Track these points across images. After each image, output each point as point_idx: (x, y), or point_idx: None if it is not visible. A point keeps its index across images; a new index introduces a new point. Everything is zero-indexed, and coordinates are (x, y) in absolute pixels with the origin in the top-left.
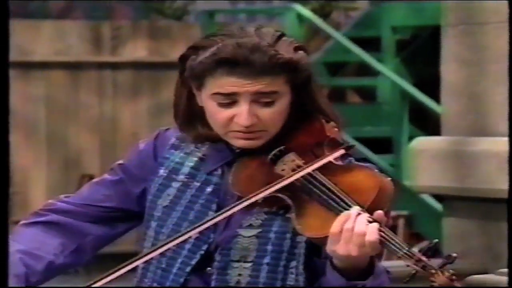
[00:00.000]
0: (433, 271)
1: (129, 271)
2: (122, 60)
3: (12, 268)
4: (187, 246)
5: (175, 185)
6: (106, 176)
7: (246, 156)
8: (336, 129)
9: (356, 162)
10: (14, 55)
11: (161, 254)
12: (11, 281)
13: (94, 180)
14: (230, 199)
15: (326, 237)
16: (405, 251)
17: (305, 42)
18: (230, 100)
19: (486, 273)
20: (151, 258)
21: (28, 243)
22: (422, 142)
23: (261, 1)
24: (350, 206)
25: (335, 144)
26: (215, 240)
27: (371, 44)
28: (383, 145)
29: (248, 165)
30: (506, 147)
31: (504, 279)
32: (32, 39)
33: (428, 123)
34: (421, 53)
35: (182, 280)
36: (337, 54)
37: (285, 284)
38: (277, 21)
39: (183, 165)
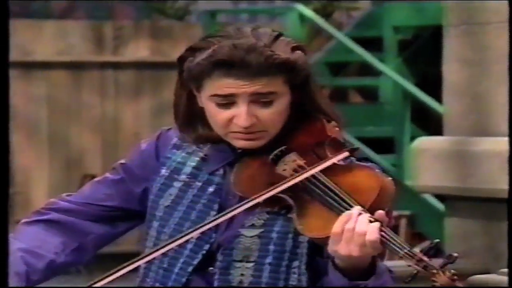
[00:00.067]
0: (434, 271)
1: (131, 271)
2: (124, 60)
3: (13, 266)
4: (189, 246)
5: (177, 185)
6: (108, 175)
7: (248, 156)
8: (337, 128)
9: (357, 162)
10: (16, 55)
11: (163, 254)
12: (12, 279)
13: (96, 179)
14: (232, 199)
15: (327, 237)
16: (406, 251)
17: (307, 42)
18: (228, 101)
19: (488, 273)
20: (153, 258)
21: (29, 241)
22: (424, 142)
23: (263, 1)
24: (351, 206)
25: (336, 144)
26: (217, 240)
27: (373, 44)
28: (385, 145)
29: (250, 165)
30: (508, 147)
31: (507, 279)
32: (34, 39)
33: (430, 123)
34: (423, 53)
35: (184, 280)
36: (339, 54)
37: (288, 284)
38: (279, 21)
39: (185, 165)
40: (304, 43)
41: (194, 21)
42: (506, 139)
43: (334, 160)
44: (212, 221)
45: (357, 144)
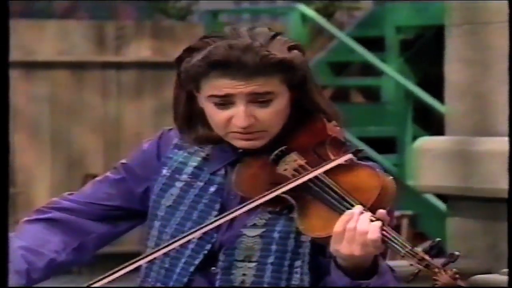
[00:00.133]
0: (436, 270)
1: (132, 271)
2: (126, 60)
3: (13, 264)
4: (191, 246)
5: (179, 184)
6: (109, 174)
7: (249, 156)
8: (338, 128)
9: (358, 161)
10: (18, 55)
11: (165, 254)
12: (12, 277)
13: (97, 178)
14: (233, 199)
15: (329, 237)
16: (407, 250)
17: (309, 42)
18: (226, 101)
19: (490, 273)
20: (155, 258)
21: (30, 239)
22: (426, 142)
23: (265, 1)
24: (352, 206)
25: (337, 143)
26: (218, 240)
27: (375, 44)
28: (387, 145)
29: (251, 165)
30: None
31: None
32: (36, 39)
33: (432, 123)
34: (425, 53)
35: (185, 280)
36: (340, 54)
37: (290, 284)
38: (280, 21)
39: (187, 165)
40: (303, 43)
41: (196, 21)
42: (507, 139)
43: (339, 161)
44: (214, 221)
45: (359, 144)
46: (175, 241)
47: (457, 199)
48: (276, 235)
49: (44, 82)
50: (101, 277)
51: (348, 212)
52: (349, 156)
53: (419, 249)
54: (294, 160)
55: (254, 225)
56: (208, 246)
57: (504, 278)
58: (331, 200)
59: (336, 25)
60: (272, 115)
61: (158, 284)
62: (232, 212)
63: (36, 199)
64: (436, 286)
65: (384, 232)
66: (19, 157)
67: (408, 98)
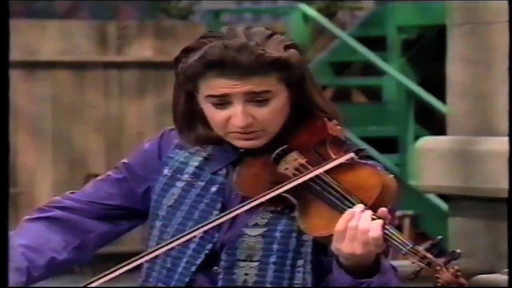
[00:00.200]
0: (438, 267)
1: (133, 270)
2: (127, 60)
3: (14, 261)
4: (192, 245)
5: (180, 184)
6: (111, 174)
7: (250, 156)
8: (338, 127)
9: (359, 160)
10: (19, 55)
11: (166, 253)
12: (13, 275)
13: (98, 177)
14: (234, 198)
15: (331, 236)
16: (409, 248)
17: (311, 41)
18: (223, 101)
19: (492, 272)
20: (156, 258)
21: (31, 238)
22: (428, 141)
23: (266, 0)
24: (354, 204)
25: (338, 142)
26: (220, 240)
27: (377, 44)
28: (388, 145)
29: (252, 165)
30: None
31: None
32: (37, 39)
33: (433, 123)
34: (426, 52)
35: (187, 279)
36: (342, 54)
37: (292, 283)
38: (282, 21)
39: (188, 164)
40: (304, 43)
41: (198, 21)
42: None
43: (341, 160)
44: (215, 220)
45: (361, 143)
46: (174, 240)
47: (458, 199)
48: (277, 234)
49: (46, 82)
50: (99, 276)
51: (349, 210)
52: (350, 155)
53: (420, 247)
54: (295, 159)
55: (256, 225)
56: (210, 246)
57: (506, 278)
58: (332, 199)
59: (338, 25)
60: (270, 114)
61: (160, 284)
62: (234, 211)
63: (38, 198)
64: (438, 284)
65: (385, 230)
66: (21, 157)
67: (410, 98)
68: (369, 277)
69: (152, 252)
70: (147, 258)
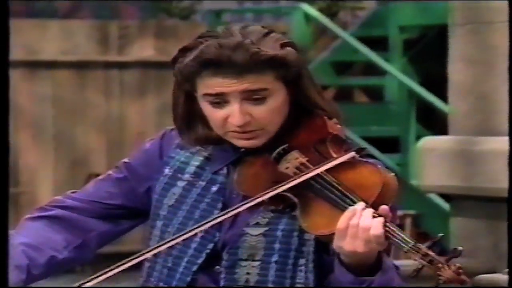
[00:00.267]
0: (439, 265)
1: (135, 270)
2: (129, 60)
3: (14, 259)
4: (193, 245)
5: (181, 184)
6: (112, 173)
7: (251, 155)
8: (338, 125)
9: (360, 158)
10: (21, 55)
11: (167, 253)
12: (12, 272)
13: (99, 177)
14: (235, 198)
15: (332, 234)
16: (411, 246)
17: (312, 41)
18: (220, 100)
19: (494, 272)
20: (157, 258)
21: (32, 236)
22: (430, 141)
23: (268, 0)
24: (355, 203)
25: (338, 141)
26: (221, 239)
27: (378, 44)
28: (390, 145)
29: (253, 164)
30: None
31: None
32: (39, 39)
33: (435, 123)
34: (428, 52)
35: (188, 279)
36: (344, 54)
37: (294, 282)
38: (284, 21)
39: (189, 164)
40: (306, 43)
41: (199, 20)
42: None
43: (342, 159)
44: (215, 218)
45: (362, 143)
46: (174, 239)
47: (460, 199)
48: (279, 233)
49: (47, 81)
50: (96, 275)
51: (350, 208)
52: (351, 154)
53: (422, 245)
54: (295, 158)
55: (257, 224)
56: (211, 245)
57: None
58: (333, 198)
59: (339, 24)
60: (268, 113)
61: (161, 284)
62: (235, 209)
63: (39, 198)
64: (440, 281)
65: (387, 228)
66: (23, 157)
67: (412, 97)
68: (371, 275)
69: (151, 251)
70: (145, 257)
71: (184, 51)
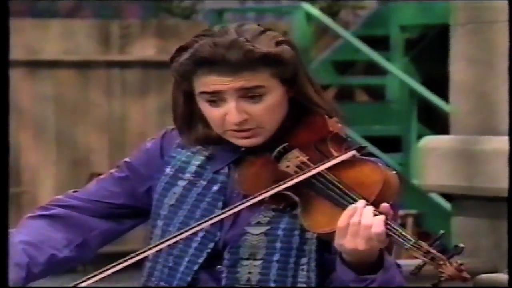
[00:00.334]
0: (441, 262)
1: (135, 270)
2: (130, 59)
3: (14, 257)
4: (194, 244)
5: (181, 183)
6: (113, 172)
7: (251, 154)
8: (339, 124)
9: (361, 157)
10: (22, 54)
11: (168, 253)
12: (12, 270)
13: (101, 176)
14: (236, 197)
15: (333, 232)
16: (412, 243)
17: (314, 41)
18: (216, 98)
19: (496, 272)
20: (158, 257)
21: (32, 235)
22: (431, 141)
23: (269, 0)
24: (355, 200)
25: (338, 140)
26: (222, 238)
27: (380, 43)
28: (391, 144)
29: (254, 163)
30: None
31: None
32: (40, 38)
33: (436, 122)
34: (429, 52)
35: (189, 278)
36: (345, 53)
37: (296, 281)
38: (285, 20)
39: (190, 163)
40: (307, 42)
41: (201, 20)
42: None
43: (343, 157)
44: (215, 216)
45: (364, 143)
46: (174, 237)
47: (462, 198)
48: (280, 232)
49: (49, 81)
50: (99, 272)
51: (351, 206)
52: (352, 152)
53: (423, 242)
54: (296, 157)
55: (258, 223)
56: (211, 245)
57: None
58: (334, 196)
59: (341, 24)
60: (265, 110)
61: (162, 283)
62: (235, 207)
63: (41, 198)
64: (441, 278)
65: (388, 226)
66: (24, 156)
67: (413, 97)
68: (372, 273)
69: (151, 249)
70: (145, 255)
71: (181, 50)
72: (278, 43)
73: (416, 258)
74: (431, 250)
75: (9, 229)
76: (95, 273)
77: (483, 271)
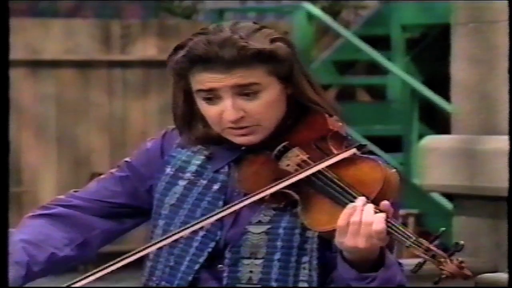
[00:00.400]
0: (442, 259)
1: (136, 269)
2: (131, 59)
3: (14, 256)
4: (195, 244)
5: (182, 183)
6: (114, 172)
7: (252, 153)
8: (339, 122)
9: (361, 155)
10: (24, 54)
11: (169, 252)
12: (12, 268)
13: (102, 176)
14: (237, 196)
15: (334, 230)
16: (413, 240)
17: (315, 40)
18: (213, 95)
19: (497, 271)
20: (159, 257)
21: (32, 233)
22: (432, 140)
23: None
24: (356, 199)
25: (339, 138)
26: (223, 238)
27: (381, 43)
28: (393, 144)
29: (254, 162)
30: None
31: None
32: (41, 38)
33: (438, 122)
34: (431, 51)
35: (190, 278)
36: (346, 53)
37: (298, 279)
38: (286, 20)
39: (190, 163)
40: (309, 42)
41: (202, 19)
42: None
43: (343, 156)
44: (215, 214)
45: (365, 142)
46: (171, 236)
47: (463, 198)
48: (281, 231)
49: (50, 81)
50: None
51: (351, 204)
52: (353, 150)
53: (424, 240)
54: (296, 155)
55: (259, 222)
56: (212, 244)
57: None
58: (334, 194)
59: (342, 23)
60: (261, 108)
61: (163, 283)
62: (235, 205)
63: (42, 197)
64: (442, 275)
65: (388, 223)
66: (25, 156)
67: (414, 96)
68: (374, 271)
69: (149, 248)
70: (144, 253)
71: (177, 49)
72: (273, 40)
73: (417, 256)
74: (432, 247)
75: (9, 229)
76: (93, 271)
77: (483, 270)
